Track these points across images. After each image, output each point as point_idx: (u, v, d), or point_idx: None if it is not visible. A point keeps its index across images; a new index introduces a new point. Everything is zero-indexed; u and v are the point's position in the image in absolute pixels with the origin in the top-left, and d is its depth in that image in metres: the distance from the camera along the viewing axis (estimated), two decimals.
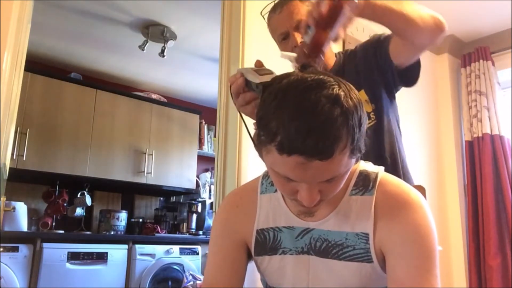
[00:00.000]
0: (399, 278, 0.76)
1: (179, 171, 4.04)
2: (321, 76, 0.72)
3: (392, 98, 1.39)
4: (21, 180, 3.42)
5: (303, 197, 0.74)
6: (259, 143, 0.73)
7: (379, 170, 0.88)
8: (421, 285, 0.74)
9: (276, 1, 1.34)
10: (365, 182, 0.85)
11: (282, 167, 0.71)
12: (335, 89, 0.69)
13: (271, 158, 0.71)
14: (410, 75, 1.30)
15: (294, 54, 0.93)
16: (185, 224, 4.05)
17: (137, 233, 3.83)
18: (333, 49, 1.44)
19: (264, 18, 1.38)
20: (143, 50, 3.34)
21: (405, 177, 1.32)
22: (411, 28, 1.08)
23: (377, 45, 1.31)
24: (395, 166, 1.31)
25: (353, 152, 0.70)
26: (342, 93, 0.69)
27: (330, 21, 0.84)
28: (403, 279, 0.75)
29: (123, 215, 3.73)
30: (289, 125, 0.67)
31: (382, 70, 1.30)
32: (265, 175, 0.96)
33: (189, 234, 3.97)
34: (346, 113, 0.68)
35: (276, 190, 0.92)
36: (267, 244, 0.91)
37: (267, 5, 1.37)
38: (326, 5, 0.84)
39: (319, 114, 0.66)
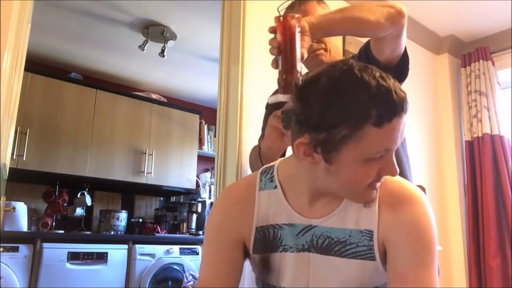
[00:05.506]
0: (399, 270, 0.78)
1: (179, 171, 4.04)
2: None
3: None
4: (21, 180, 3.42)
5: (391, 169, 0.77)
6: (332, 148, 0.74)
7: None
8: (421, 278, 0.76)
9: None
10: None
11: (382, 141, 0.73)
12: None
13: (365, 143, 0.73)
14: (400, 71, 1.31)
15: (277, 94, 0.97)
16: (185, 224, 4.05)
17: (137, 233, 3.83)
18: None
19: (279, 13, 1.38)
20: (143, 50, 3.34)
21: (403, 174, 1.31)
22: (366, 28, 1.10)
23: (366, 46, 1.32)
24: None
25: None
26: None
27: (289, 44, 0.95)
28: (403, 271, 0.77)
29: (123, 215, 3.73)
30: (375, 94, 0.70)
31: None
32: (263, 171, 0.94)
33: (189, 234, 3.96)
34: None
35: (276, 187, 0.91)
36: (266, 241, 0.90)
37: (284, 1, 1.38)
38: (279, 33, 0.96)
39: (386, 77, 0.73)
